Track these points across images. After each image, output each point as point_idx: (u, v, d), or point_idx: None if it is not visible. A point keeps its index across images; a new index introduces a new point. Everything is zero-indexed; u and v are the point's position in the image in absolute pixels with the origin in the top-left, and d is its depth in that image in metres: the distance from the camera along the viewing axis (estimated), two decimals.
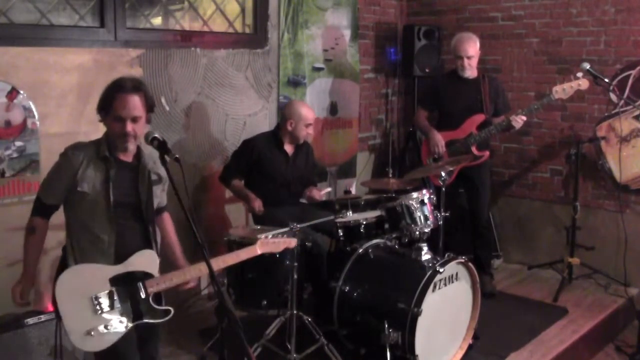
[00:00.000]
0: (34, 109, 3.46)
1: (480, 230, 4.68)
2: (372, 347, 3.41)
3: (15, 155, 3.40)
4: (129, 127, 2.56)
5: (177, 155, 2.45)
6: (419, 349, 3.22)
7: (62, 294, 2.47)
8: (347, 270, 3.57)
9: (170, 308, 2.65)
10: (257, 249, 2.91)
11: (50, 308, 3.41)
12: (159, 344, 2.86)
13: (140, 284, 2.56)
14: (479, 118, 4.48)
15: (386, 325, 3.26)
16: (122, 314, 2.52)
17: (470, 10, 5.56)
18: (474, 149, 4.49)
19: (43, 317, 3.15)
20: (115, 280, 2.52)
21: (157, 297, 2.64)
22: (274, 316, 3.54)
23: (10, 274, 3.41)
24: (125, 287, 2.54)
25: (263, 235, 3.00)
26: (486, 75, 4.60)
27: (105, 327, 2.48)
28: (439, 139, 4.51)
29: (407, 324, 3.20)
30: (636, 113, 4.78)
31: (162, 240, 2.86)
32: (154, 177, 2.70)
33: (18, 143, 3.40)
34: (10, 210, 3.40)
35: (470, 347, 3.60)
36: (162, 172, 2.68)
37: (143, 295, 2.56)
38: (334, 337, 3.53)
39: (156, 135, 2.46)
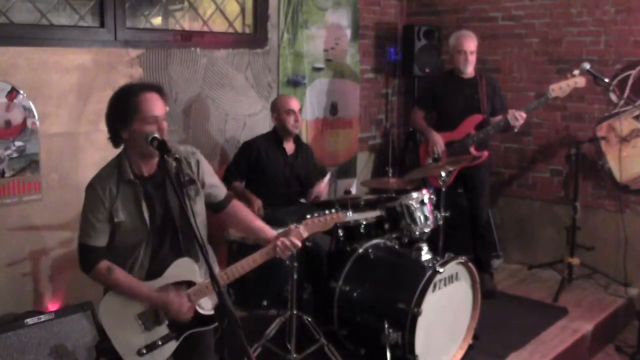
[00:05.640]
0: (34, 109, 3.45)
1: (480, 230, 4.68)
2: (372, 347, 3.41)
3: (15, 155, 3.39)
4: (164, 124, 2.46)
5: (177, 155, 2.45)
6: (419, 349, 3.22)
7: (106, 320, 2.44)
8: (347, 270, 3.57)
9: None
10: (302, 232, 2.65)
11: (50, 308, 3.43)
12: (211, 353, 2.72)
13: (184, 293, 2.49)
14: (477, 118, 4.48)
15: (386, 325, 3.26)
16: (170, 328, 2.49)
17: (470, 10, 5.56)
18: (472, 150, 4.49)
19: (43, 317, 3.14)
20: None
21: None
22: (274, 316, 3.54)
23: (10, 274, 3.42)
24: None
25: (308, 216, 2.69)
26: (483, 74, 4.60)
27: (154, 343, 2.46)
28: (438, 139, 4.51)
29: (407, 324, 3.20)
30: (636, 113, 4.77)
31: (244, 230, 2.76)
32: (185, 177, 2.51)
33: (18, 143, 3.40)
34: (10, 210, 3.40)
35: (470, 347, 3.59)
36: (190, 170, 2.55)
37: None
38: (334, 337, 3.53)
39: (156, 135, 2.43)
